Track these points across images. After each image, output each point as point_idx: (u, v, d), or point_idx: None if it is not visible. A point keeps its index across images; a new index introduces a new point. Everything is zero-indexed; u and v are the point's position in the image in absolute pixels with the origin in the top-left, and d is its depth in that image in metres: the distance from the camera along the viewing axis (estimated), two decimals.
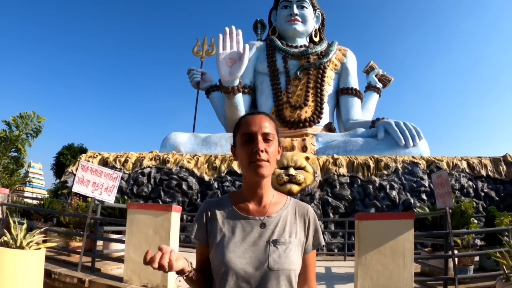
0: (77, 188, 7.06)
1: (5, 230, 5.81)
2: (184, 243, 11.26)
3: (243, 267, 1.36)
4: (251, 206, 1.51)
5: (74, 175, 7.44)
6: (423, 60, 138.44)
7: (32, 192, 25.48)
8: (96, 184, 7.17)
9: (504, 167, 12.17)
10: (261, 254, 1.39)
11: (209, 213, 1.52)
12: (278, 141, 1.55)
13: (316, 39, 19.18)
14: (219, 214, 1.51)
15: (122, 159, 13.65)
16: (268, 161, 1.44)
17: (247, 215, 1.49)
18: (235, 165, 12.58)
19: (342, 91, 17.99)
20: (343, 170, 12.13)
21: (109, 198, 7.25)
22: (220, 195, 12.04)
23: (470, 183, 11.82)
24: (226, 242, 1.42)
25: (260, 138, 1.45)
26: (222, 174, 12.57)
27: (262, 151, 1.43)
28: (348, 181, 12.00)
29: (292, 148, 13.60)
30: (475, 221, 8.70)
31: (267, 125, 1.49)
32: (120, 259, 6.96)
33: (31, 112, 20.00)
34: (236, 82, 15.37)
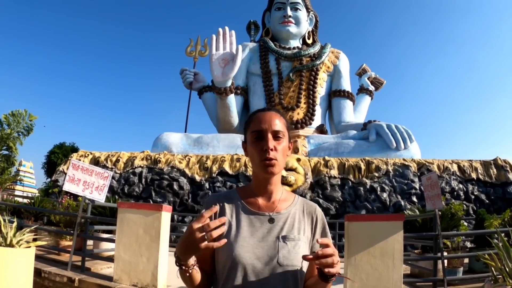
0: (67, 187, 7.03)
1: None
2: (175, 243, 11.23)
3: (252, 262, 1.36)
4: (261, 201, 1.52)
5: (65, 174, 7.41)
6: (416, 63, 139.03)
7: (23, 191, 25.29)
8: (86, 183, 7.14)
9: (495, 170, 12.26)
10: (270, 249, 1.39)
11: (218, 206, 1.49)
12: (288, 137, 1.55)
13: (309, 41, 19.17)
14: (227, 208, 1.50)
15: (114, 159, 13.59)
16: (277, 159, 1.45)
17: (256, 210, 1.49)
18: (227, 166, 12.58)
19: (335, 93, 18.03)
20: (334, 172, 12.16)
21: (100, 197, 7.23)
22: None
23: (461, 186, 11.89)
24: (234, 236, 1.41)
25: (270, 136, 1.46)
26: (213, 175, 12.55)
27: (272, 149, 1.44)
28: (339, 183, 12.03)
29: None
30: (465, 223, 8.76)
31: (277, 123, 1.50)
32: (110, 259, 6.92)
33: (23, 110, 19.90)
34: (229, 83, 15.38)
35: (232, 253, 1.37)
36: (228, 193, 1.59)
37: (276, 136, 1.48)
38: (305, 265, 1.44)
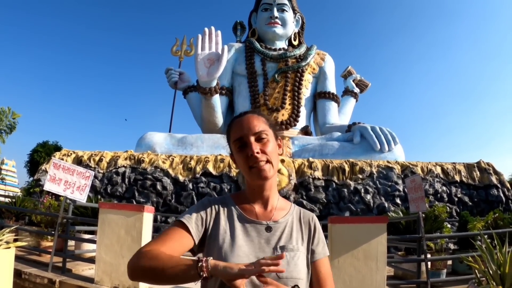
0: (48, 186, 6.91)
1: None
2: None
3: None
4: (257, 209, 1.43)
5: (48, 173, 7.33)
6: (401, 67, 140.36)
7: (5, 190, 24.93)
8: (68, 182, 7.03)
9: (478, 173, 12.35)
10: None
11: (213, 211, 1.41)
12: (274, 135, 1.47)
13: (295, 43, 19.20)
14: (222, 214, 1.41)
15: (97, 158, 13.42)
16: (268, 161, 1.36)
17: (253, 218, 1.40)
18: (210, 167, 12.50)
19: (319, 95, 18.03)
20: (318, 174, 12.14)
21: (81, 197, 7.12)
22: (194, 197, 11.95)
23: (444, 188, 11.95)
24: (229, 245, 1.31)
25: (252, 139, 1.37)
26: (197, 175, 12.45)
27: (258, 152, 1.34)
28: (323, 184, 12.00)
29: None
30: (448, 225, 8.79)
31: (257, 124, 1.41)
32: (91, 260, 6.81)
33: (6, 108, 19.66)
34: (214, 83, 15.28)
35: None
36: (223, 198, 1.49)
37: (259, 138, 1.39)
38: (305, 278, 1.35)
